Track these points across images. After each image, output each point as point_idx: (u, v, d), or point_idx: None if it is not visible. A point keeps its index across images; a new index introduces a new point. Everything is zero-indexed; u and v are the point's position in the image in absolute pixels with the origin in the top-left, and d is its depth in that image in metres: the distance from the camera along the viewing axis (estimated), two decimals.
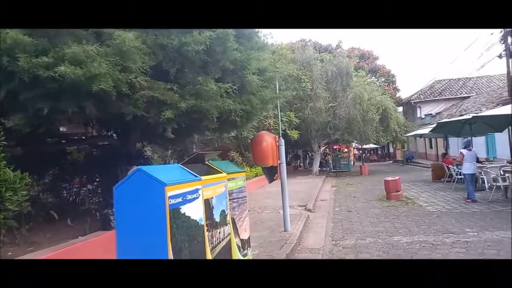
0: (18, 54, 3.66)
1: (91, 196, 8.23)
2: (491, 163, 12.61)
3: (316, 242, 6.75)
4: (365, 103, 20.97)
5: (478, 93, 29.38)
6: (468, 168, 9.76)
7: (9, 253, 4.82)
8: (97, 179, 8.12)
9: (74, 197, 8.50)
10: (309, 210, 10.04)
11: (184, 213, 2.72)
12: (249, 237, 4.40)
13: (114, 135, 7.02)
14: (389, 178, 11.52)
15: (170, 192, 2.54)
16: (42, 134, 5.71)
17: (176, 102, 4.65)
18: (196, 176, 3.02)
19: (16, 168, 3.94)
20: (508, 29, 15.34)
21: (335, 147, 27.12)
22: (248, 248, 4.44)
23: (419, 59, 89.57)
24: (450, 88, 32.63)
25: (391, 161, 39.87)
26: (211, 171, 3.73)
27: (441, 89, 32.91)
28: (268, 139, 6.99)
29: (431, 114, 30.62)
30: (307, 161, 31.70)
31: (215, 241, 3.29)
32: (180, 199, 2.67)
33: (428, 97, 32.92)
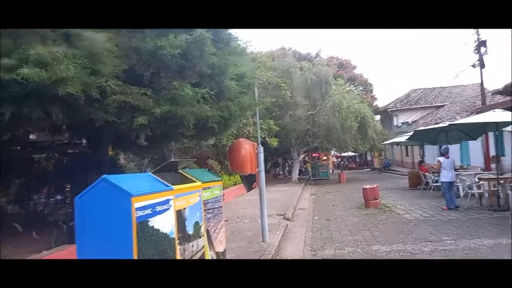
0: None
1: (60, 207, 7.85)
2: (466, 171, 12.84)
3: (295, 253, 6.61)
4: (344, 111, 21.16)
5: (452, 102, 30.16)
6: (445, 175, 9.82)
7: None
8: (67, 189, 7.77)
9: (42, 208, 8.10)
10: (288, 219, 9.91)
11: (153, 226, 2.53)
12: (225, 250, 4.22)
13: (85, 142, 6.72)
14: (368, 186, 11.54)
15: (137, 203, 2.36)
16: (7, 141, 5.40)
17: (150, 108, 4.45)
18: (167, 186, 2.83)
19: None
20: (481, 40, 15.83)
21: (314, 155, 27.24)
22: None
23: (396, 68, 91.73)
24: (426, 97, 33.40)
25: (369, 169, 40.34)
26: (185, 180, 3.55)
27: (417, 98, 33.66)
28: (246, 147, 6.83)
29: (408, 122, 31.23)
30: (287, 169, 31.68)
31: (188, 255, 3.10)
32: (148, 211, 2.48)
33: (405, 105, 33.58)
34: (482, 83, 16.82)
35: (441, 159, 9.96)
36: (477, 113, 14.99)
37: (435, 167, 11.46)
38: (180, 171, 3.68)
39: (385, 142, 24.60)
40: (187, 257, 3.09)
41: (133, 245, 2.30)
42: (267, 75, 19.51)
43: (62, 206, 7.90)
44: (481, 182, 9.88)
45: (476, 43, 16.37)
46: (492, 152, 15.49)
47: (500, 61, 20.56)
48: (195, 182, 3.54)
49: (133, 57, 4.38)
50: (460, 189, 10.32)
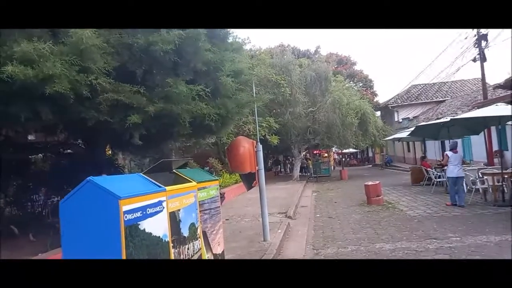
0: None
1: (58, 209, 7.71)
2: (470, 166, 12.67)
3: (297, 252, 6.46)
4: (344, 108, 21.01)
5: (453, 97, 29.98)
6: (451, 171, 9.53)
7: None
8: (65, 190, 7.63)
9: (40, 210, 7.97)
10: (290, 217, 9.77)
11: (144, 230, 2.39)
12: (223, 251, 4.08)
13: (81, 142, 6.58)
14: (370, 183, 11.38)
15: (125, 206, 2.21)
16: (2, 142, 5.26)
17: (144, 106, 4.31)
18: (159, 187, 2.69)
19: None
20: (481, 33, 15.63)
21: (315, 152, 27.10)
22: None
23: (396, 64, 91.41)
24: (426, 92, 33.19)
25: (371, 165, 40.17)
26: (179, 180, 3.40)
27: (417, 93, 33.46)
28: (245, 145, 6.69)
29: (408, 118, 31.04)
30: (288, 166, 31.53)
31: (184, 259, 2.95)
32: (139, 214, 2.34)
33: (405, 101, 33.41)
34: (483, 77, 16.61)
35: (449, 153, 9.71)
36: (479, 107, 14.80)
37: (442, 162, 11.22)
38: (174, 171, 3.53)
39: (386, 138, 24.43)
40: None
41: (122, 250, 2.16)
42: (266, 72, 19.35)
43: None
44: (485, 177, 9.71)
45: (476, 36, 16.18)
46: (495, 147, 15.31)
47: (501, 55, 20.35)
48: (190, 182, 3.39)
49: (124, 54, 4.23)
50: (464, 185, 10.14)
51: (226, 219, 9.72)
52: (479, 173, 10.19)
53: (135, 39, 4.17)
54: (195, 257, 3.23)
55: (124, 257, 2.16)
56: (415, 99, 33.02)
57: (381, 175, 22.93)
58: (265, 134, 18.87)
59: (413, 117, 30.42)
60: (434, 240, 6.33)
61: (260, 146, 6.88)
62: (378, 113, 34.70)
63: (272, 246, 6.45)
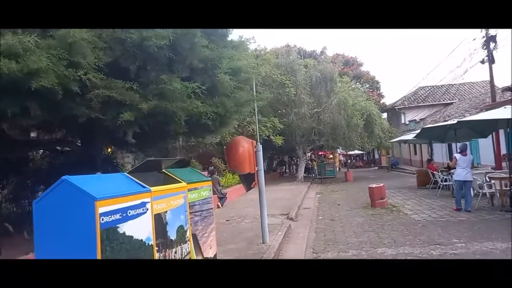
0: None
1: None
2: (477, 169, 12.39)
3: (296, 255, 6.29)
4: (350, 109, 20.78)
5: (461, 99, 29.58)
6: (458, 174, 9.24)
7: None
8: None
9: None
10: (291, 219, 9.59)
11: (124, 233, 2.24)
12: (215, 255, 3.92)
13: (77, 140, 6.47)
14: (374, 185, 11.16)
15: (102, 208, 2.07)
16: None
17: (137, 103, 4.17)
18: (143, 187, 2.54)
19: None
20: (490, 35, 15.34)
21: (320, 153, 26.84)
22: None
23: (403, 65, 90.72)
24: (434, 94, 32.80)
25: (377, 167, 39.80)
26: (169, 180, 3.25)
27: (424, 95, 33.08)
28: (244, 145, 6.55)
29: (415, 120, 30.68)
30: (293, 167, 31.31)
31: (174, 259, 2.81)
32: (118, 216, 2.19)
33: (412, 103, 33.03)
34: (492, 79, 16.30)
35: (458, 156, 9.41)
36: (487, 110, 14.51)
37: (450, 164, 10.93)
38: (164, 170, 3.39)
39: (392, 140, 24.13)
40: None
41: (97, 254, 2.02)
42: (271, 72, 19.19)
43: None
44: (492, 181, 9.45)
45: (485, 38, 15.88)
46: (503, 150, 14.99)
47: (510, 57, 19.99)
48: (180, 182, 3.24)
49: (117, 49, 4.10)
50: (471, 189, 9.88)
51: (227, 220, 9.58)
52: (487, 177, 9.93)
53: (128, 34, 4.04)
54: None
55: None
56: (422, 101, 32.64)
57: (387, 178, 22.65)
58: (270, 135, 18.72)
59: (420, 119, 30.06)
60: (438, 246, 6.12)
61: (260, 146, 6.72)
62: (385, 115, 34.40)
63: (270, 248, 6.29)
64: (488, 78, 16.90)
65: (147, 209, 2.53)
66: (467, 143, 10.22)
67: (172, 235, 2.90)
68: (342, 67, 37.96)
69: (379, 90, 43.63)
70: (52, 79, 3.32)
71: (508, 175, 9.06)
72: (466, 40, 38.19)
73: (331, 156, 28.97)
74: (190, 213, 3.32)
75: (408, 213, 9.54)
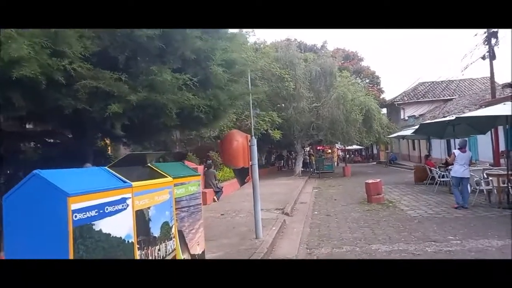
0: None
1: None
2: (474, 166, 12.30)
3: (289, 251, 6.22)
4: (349, 103, 20.64)
5: (461, 95, 29.41)
6: (456, 170, 9.12)
7: None
8: None
9: None
10: (287, 214, 9.52)
11: (101, 230, 2.14)
12: (203, 252, 3.82)
13: (69, 132, 6.35)
14: (370, 181, 11.08)
15: (76, 204, 1.96)
16: None
17: (126, 95, 4.04)
18: (124, 182, 2.43)
19: None
20: (492, 30, 15.16)
21: (318, 148, 26.79)
22: None
23: (404, 61, 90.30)
24: (433, 90, 32.63)
25: (375, 162, 39.75)
26: (154, 175, 3.15)
27: (424, 91, 32.91)
28: (239, 139, 6.44)
29: (415, 115, 30.54)
30: (292, 161, 31.22)
31: (157, 259, 2.71)
32: (93, 213, 2.09)
33: (412, 99, 32.86)
34: (492, 75, 16.13)
35: (456, 152, 9.29)
36: (486, 106, 14.38)
37: (448, 160, 10.82)
38: (149, 165, 3.28)
39: (390, 136, 24.02)
40: None
41: (69, 253, 1.92)
42: (270, 66, 19.02)
43: None
44: (490, 178, 9.37)
45: (486, 33, 15.69)
46: (502, 147, 14.90)
47: (511, 53, 19.81)
48: (166, 177, 3.13)
49: (106, 38, 3.96)
50: (468, 186, 9.79)
51: (221, 214, 9.50)
52: (484, 174, 9.84)
53: None
54: (168, 258, 2.98)
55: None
56: (422, 97, 32.48)
57: (385, 173, 22.60)
58: (268, 129, 18.60)
59: (419, 115, 29.92)
60: (433, 243, 6.05)
61: (255, 140, 6.61)
62: (384, 110, 34.24)
63: (264, 244, 6.21)
64: (488, 75, 16.73)
65: (128, 205, 2.42)
66: (466, 139, 10.09)
67: (156, 232, 2.79)
68: (343, 61, 37.73)
69: (379, 85, 43.46)
70: (35, 68, 3.19)
71: (506, 172, 8.97)
72: (468, 36, 37.88)
73: (330, 151, 28.99)
74: (176, 209, 3.22)
75: (404, 209, 9.47)
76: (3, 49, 3.06)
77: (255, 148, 6.59)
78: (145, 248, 2.61)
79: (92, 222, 2.09)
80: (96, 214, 2.11)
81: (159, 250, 2.81)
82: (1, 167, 7.53)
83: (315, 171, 24.94)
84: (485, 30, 15.82)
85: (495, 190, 9.21)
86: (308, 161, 29.54)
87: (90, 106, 4.00)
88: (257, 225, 6.63)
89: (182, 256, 3.24)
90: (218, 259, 5.17)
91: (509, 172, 8.90)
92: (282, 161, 31.34)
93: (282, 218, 8.76)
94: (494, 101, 14.80)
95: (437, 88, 32.44)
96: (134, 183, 2.53)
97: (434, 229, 7.05)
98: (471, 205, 9.05)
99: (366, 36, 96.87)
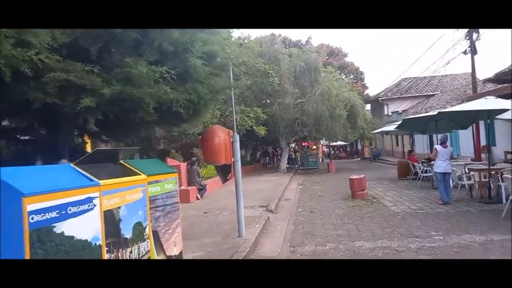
0: None
1: None
2: (456, 161, 12.44)
3: (272, 249, 6.11)
4: (333, 99, 20.65)
5: (443, 91, 29.83)
6: (439, 166, 9.14)
7: None
8: None
9: None
10: (271, 211, 9.41)
11: (63, 233, 1.97)
12: (181, 252, 3.66)
13: (42, 128, 6.08)
14: (354, 177, 11.06)
15: (32, 204, 1.79)
16: None
17: (99, 88, 3.84)
18: (91, 180, 2.26)
19: None
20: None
21: (303, 144, 26.76)
22: None
23: (387, 56, 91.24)
24: (416, 86, 33.02)
25: (359, 158, 40.07)
26: (127, 172, 2.97)
27: (407, 86, 33.26)
28: (220, 134, 6.29)
29: (398, 111, 30.85)
30: (277, 158, 31.19)
31: (135, 258, 2.54)
32: (54, 214, 1.92)
33: (395, 94, 33.20)
34: (473, 70, 16.33)
35: (438, 147, 9.31)
36: (468, 101, 14.55)
37: (430, 156, 10.86)
38: (121, 162, 3.10)
39: (374, 131, 24.19)
40: None
41: (25, 257, 1.74)
42: (254, 61, 18.85)
43: None
44: (471, 173, 9.45)
45: (467, 29, 15.85)
46: (483, 142, 15.12)
47: (492, 49, 20.11)
48: (139, 174, 2.96)
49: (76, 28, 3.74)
50: (450, 180, 9.86)
51: (204, 212, 9.33)
52: (466, 169, 9.93)
53: None
54: None
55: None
56: (405, 93, 32.84)
57: (369, 169, 22.74)
58: (253, 125, 18.45)
59: (403, 110, 30.24)
60: (416, 239, 6.02)
61: (237, 136, 6.47)
62: (368, 106, 34.47)
63: (246, 242, 6.08)
64: (470, 70, 16.94)
65: (95, 205, 2.25)
66: (448, 134, 10.15)
67: (127, 233, 2.63)
68: (327, 57, 37.84)
69: (363, 81, 43.76)
70: None
71: (487, 167, 9.05)
72: (450, 31, 38.36)
73: (314, 147, 28.98)
74: (151, 208, 3.05)
75: (388, 204, 9.48)
76: None
77: (237, 144, 6.45)
78: (114, 250, 2.44)
79: (53, 224, 1.91)
80: (57, 215, 1.94)
81: (131, 252, 2.64)
82: None
83: (300, 168, 24.95)
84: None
85: (476, 185, 9.30)
86: (293, 157, 29.55)
87: (61, 100, 3.78)
88: (240, 223, 6.50)
89: (156, 257, 3.08)
90: (196, 259, 5.02)
91: (491, 167, 9.00)
92: (268, 157, 31.27)
93: (266, 215, 8.65)
94: (475, 96, 14.98)
95: (420, 84, 32.84)
96: (102, 181, 2.36)
97: (417, 224, 7.04)
98: (453, 200, 9.10)
99: (350, 32, 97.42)
